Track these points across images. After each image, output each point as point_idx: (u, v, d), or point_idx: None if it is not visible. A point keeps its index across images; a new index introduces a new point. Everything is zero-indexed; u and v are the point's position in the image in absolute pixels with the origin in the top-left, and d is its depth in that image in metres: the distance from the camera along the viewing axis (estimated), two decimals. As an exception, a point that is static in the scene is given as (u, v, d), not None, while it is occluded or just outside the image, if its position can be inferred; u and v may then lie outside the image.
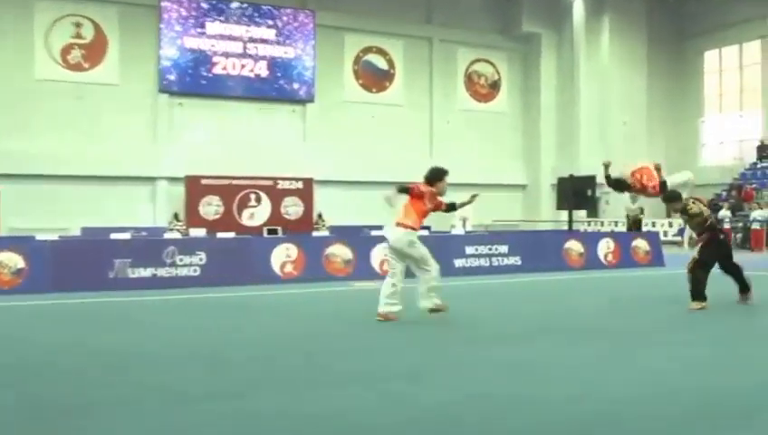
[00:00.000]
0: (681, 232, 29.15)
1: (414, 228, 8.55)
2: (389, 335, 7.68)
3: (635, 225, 23.33)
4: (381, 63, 32.95)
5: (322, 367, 6.01)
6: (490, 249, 15.52)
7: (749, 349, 6.91)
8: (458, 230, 19.94)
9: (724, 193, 29.26)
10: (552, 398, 4.94)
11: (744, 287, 9.75)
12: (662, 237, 23.20)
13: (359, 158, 31.28)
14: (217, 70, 29.47)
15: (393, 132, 32.36)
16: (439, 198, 8.96)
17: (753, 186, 28.40)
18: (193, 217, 26.34)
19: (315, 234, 19.29)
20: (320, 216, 28.85)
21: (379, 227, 19.08)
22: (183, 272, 12.65)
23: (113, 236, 13.93)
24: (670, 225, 30.64)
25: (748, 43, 34.28)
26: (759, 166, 31.03)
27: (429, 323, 8.42)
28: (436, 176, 9.07)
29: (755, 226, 24.43)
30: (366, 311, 9.30)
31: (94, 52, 27.84)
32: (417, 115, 33.30)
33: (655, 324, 8.42)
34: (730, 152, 34.54)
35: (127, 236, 14.52)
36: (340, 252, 13.96)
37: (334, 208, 29.38)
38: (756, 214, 24.86)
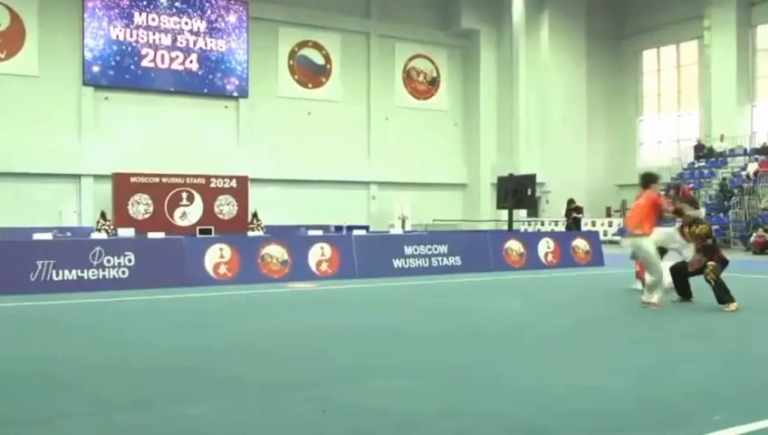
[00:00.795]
0: (621, 232, 30.02)
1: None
2: (291, 343, 7.73)
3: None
4: (317, 58, 32.96)
5: (230, 379, 5.95)
6: (429, 249, 15.72)
7: (679, 352, 7.23)
8: (397, 230, 20.12)
9: (663, 192, 30.18)
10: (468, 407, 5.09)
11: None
12: (602, 237, 23.89)
13: (295, 155, 31.23)
14: (146, 63, 29.02)
15: (330, 129, 32.42)
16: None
17: (691, 185, 29.38)
18: (121, 217, 25.90)
19: (250, 234, 19.20)
20: (255, 215, 28.68)
21: (317, 227, 19.13)
22: (111, 274, 12.46)
23: (35, 236, 13.60)
24: (610, 224, 31.54)
25: (685, 43, 35.51)
26: (696, 165, 32.14)
27: (362, 332, 8.51)
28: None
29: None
30: (300, 316, 9.35)
31: (11, 40, 27.04)
32: (355, 112, 33.43)
33: (577, 327, 8.71)
34: (668, 152, 35.70)
35: (49, 236, 14.19)
36: (276, 253, 13.95)
37: (270, 208, 29.26)
38: (692, 214, 25.72)
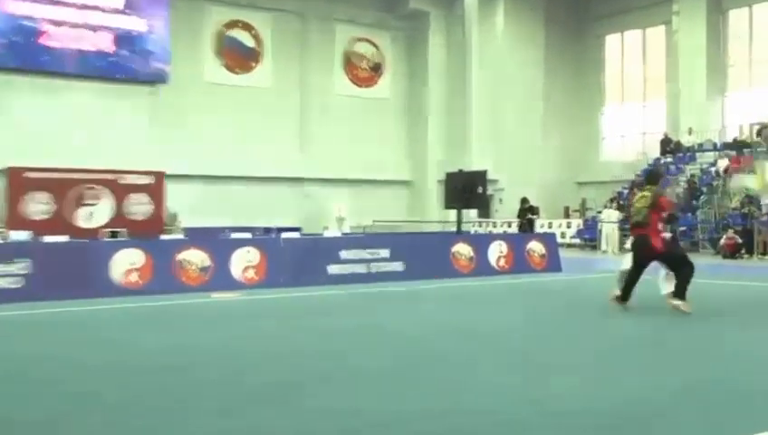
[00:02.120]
0: (582, 233, 30.56)
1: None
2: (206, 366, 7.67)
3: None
4: (247, 40, 32.73)
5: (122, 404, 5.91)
6: (369, 254, 15.72)
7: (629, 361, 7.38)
8: (333, 232, 20.08)
9: (626, 191, 30.80)
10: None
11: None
12: (559, 239, 24.26)
13: (219, 149, 30.94)
14: (47, 41, 28.33)
15: (259, 120, 32.21)
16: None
17: (656, 183, 30.08)
18: (14, 218, 25.28)
19: (166, 237, 18.91)
20: (174, 216, 28.28)
21: (243, 229, 18.96)
22: (1, 284, 12.13)
23: None
24: (568, 226, 32.05)
25: (652, 28, 36.32)
26: (663, 161, 32.88)
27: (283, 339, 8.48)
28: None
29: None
30: (221, 331, 9.24)
31: None
32: (288, 100, 33.28)
33: (535, 342, 8.82)
34: (632, 146, 36.46)
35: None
36: (196, 258, 13.77)
37: (190, 207, 28.90)
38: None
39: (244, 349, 7.85)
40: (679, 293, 9.91)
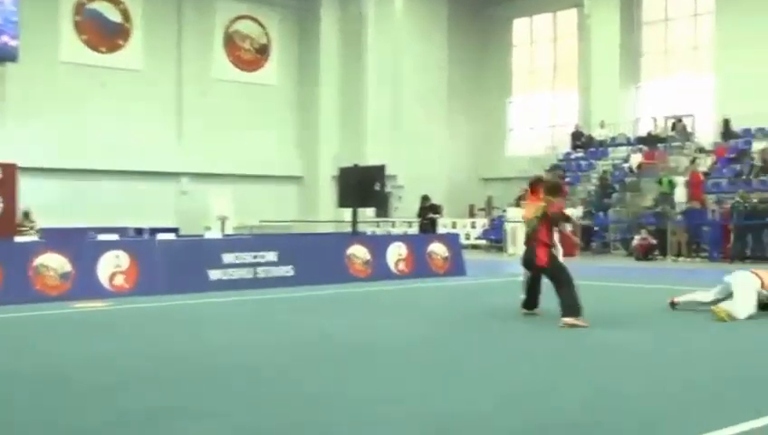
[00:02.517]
0: (488, 234, 31.21)
1: None
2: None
3: None
4: (113, 15, 32.05)
5: None
6: (255, 257, 15.69)
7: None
8: (215, 233, 19.93)
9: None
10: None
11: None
12: (463, 241, 24.74)
13: (81, 139, 30.21)
14: None
15: (129, 106, 31.56)
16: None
17: (567, 179, 31.00)
18: None
19: (19, 239, 18.37)
20: (26, 215, 27.45)
21: (111, 230, 18.61)
22: None
23: None
24: (473, 225, 32.69)
25: (563, 11, 37.39)
26: (574, 156, 33.93)
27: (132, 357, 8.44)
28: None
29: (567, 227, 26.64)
30: (84, 344, 9.08)
31: None
32: (162, 84, 32.75)
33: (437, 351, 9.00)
34: (541, 140, 37.44)
35: None
36: (55, 263, 13.46)
37: (47, 206, 28.14)
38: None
39: (113, 358, 7.76)
40: (572, 310, 10.15)
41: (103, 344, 9.01)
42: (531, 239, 10.81)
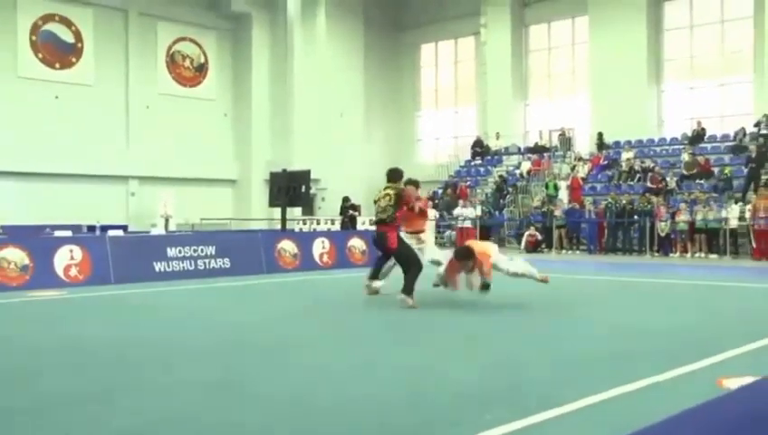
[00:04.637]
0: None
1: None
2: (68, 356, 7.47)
3: None
4: (66, 35, 31.21)
5: None
6: (195, 251, 15.55)
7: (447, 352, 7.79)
8: (159, 230, 19.68)
9: (440, 191, 32.00)
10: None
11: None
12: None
13: (38, 145, 29.39)
14: None
15: (82, 117, 30.83)
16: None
17: (468, 183, 31.39)
18: None
19: (-19, 236, 17.86)
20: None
21: (66, 227, 18.22)
22: None
23: None
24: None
25: (463, 38, 37.90)
26: (473, 163, 34.37)
27: (111, 345, 8.34)
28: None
29: (467, 223, 27.00)
30: (41, 328, 8.90)
31: None
32: (112, 98, 32.06)
33: (340, 330, 9.09)
34: (446, 149, 37.86)
35: None
36: (15, 257, 13.13)
37: (7, 205, 27.38)
38: (461, 211, 27.30)
39: (68, 341, 7.62)
40: (407, 289, 10.28)
41: (58, 327, 8.85)
42: (383, 224, 10.78)
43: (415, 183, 11.90)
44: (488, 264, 10.24)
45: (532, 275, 10.65)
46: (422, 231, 11.68)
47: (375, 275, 11.78)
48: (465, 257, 10.18)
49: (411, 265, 10.54)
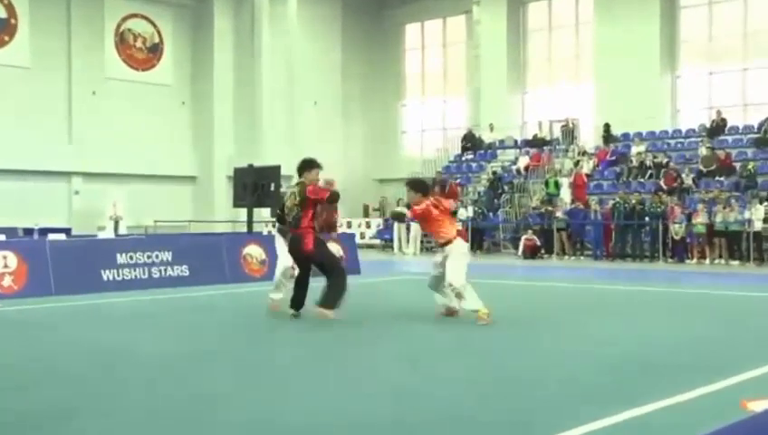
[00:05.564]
0: (383, 233, 31.41)
1: None
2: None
3: None
4: (-2, 11, 31.02)
5: None
6: (149, 257, 15.44)
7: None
8: (108, 233, 19.56)
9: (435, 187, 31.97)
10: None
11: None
12: (358, 240, 24.83)
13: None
14: None
15: (16, 104, 30.55)
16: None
17: (458, 180, 31.44)
18: None
19: None
20: None
21: (-2, 231, 18.03)
22: None
23: None
24: (368, 225, 32.86)
25: (453, 17, 37.92)
26: (464, 158, 34.42)
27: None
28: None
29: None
30: None
31: None
32: (51, 83, 31.80)
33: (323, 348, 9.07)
34: (433, 142, 37.89)
35: None
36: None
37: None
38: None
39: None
40: (329, 300, 9.94)
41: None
42: (294, 227, 10.26)
43: (310, 163, 10.82)
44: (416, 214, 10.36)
45: (471, 305, 9.86)
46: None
47: (296, 305, 10.58)
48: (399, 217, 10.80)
49: (334, 272, 10.11)
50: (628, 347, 8.47)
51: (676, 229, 22.98)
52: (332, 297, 9.91)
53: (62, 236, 17.05)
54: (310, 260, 10.32)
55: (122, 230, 27.44)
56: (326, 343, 8.92)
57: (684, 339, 8.99)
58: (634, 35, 30.78)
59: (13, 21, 31.28)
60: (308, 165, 10.61)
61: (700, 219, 22.62)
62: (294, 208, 10.25)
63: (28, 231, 20.86)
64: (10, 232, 20.01)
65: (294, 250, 10.36)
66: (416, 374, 7.06)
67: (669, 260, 22.93)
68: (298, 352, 8.35)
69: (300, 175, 10.55)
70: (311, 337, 9.40)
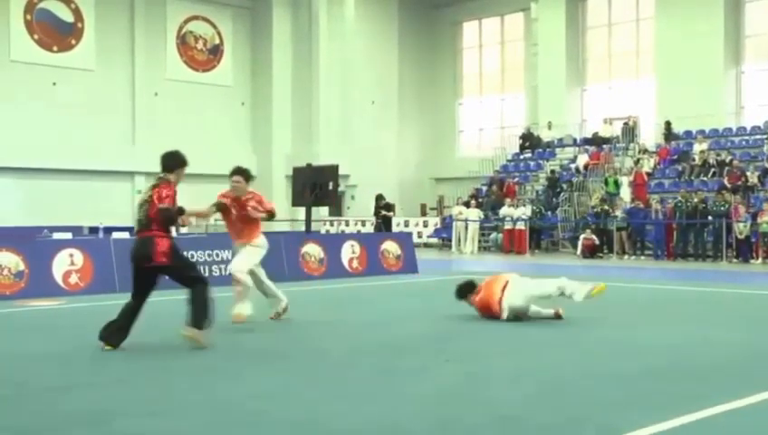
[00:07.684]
0: (440, 232, 31.37)
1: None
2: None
3: None
4: (65, 14, 31.65)
5: None
6: (210, 256, 15.65)
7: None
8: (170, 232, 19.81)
9: (485, 188, 31.85)
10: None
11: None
12: (416, 239, 24.84)
13: (33, 137, 29.82)
14: None
15: (82, 105, 31.24)
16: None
17: (516, 180, 31.26)
18: None
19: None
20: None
21: (65, 229, 18.41)
22: None
23: None
24: (425, 224, 32.83)
25: (510, 15, 37.75)
26: (522, 157, 34.21)
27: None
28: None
29: (509, 225, 26.91)
30: (43, 342, 8.97)
31: None
32: (115, 84, 32.44)
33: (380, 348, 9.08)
34: (491, 141, 37.71)
35: None
36: (9, 262, 13.26)
37: (0, 205, 27.86)
38: (507, 211, 27.17)
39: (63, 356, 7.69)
40: (196, 320, 8.16)
41: (57, 342, 8.94)
42: (143, 229, 8.28)
43: (241, 172, 10.29)
44: (494, 304, 9.99)
45: (572, 292, 9.77)
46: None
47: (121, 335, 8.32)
48: (460, 295, 10.36)
49: (195, 283, 8.37)
50: (687, 350, 8.32)
51: (741, 228, 22.51)
52: (200, 314, 8.17)
53: (126, 235, 17.30)
54: (162, 271, 8.38)
55: (183, 229, 27.79)
56: (373, 342, 8.92)
57: (745, 342, 8.77)
58: (697, 30, 30.26)
59: (79, 25, 31.95)
60: (177, 165, 9.31)
61: (766, 218, 22.16)
62: (144, 206, 8.48)
63: (93, 229, 21.23)
64: (76, 230, 20.45)
65: (141, 256, 8.26)
66: (460, 374, 7.02)
67: (733, 260, 22.50)
68: (343, 347, 8.36)
69: (165, 170, 9.15)
70: (363, 335, 9.42)
